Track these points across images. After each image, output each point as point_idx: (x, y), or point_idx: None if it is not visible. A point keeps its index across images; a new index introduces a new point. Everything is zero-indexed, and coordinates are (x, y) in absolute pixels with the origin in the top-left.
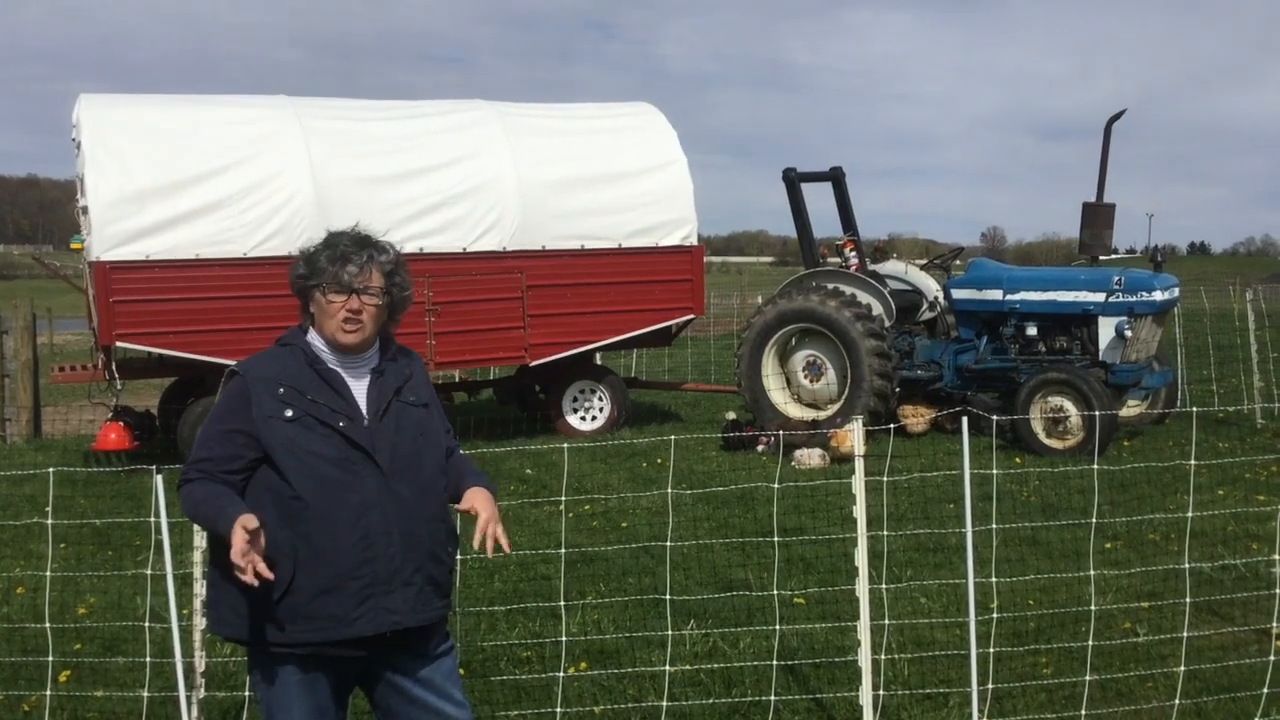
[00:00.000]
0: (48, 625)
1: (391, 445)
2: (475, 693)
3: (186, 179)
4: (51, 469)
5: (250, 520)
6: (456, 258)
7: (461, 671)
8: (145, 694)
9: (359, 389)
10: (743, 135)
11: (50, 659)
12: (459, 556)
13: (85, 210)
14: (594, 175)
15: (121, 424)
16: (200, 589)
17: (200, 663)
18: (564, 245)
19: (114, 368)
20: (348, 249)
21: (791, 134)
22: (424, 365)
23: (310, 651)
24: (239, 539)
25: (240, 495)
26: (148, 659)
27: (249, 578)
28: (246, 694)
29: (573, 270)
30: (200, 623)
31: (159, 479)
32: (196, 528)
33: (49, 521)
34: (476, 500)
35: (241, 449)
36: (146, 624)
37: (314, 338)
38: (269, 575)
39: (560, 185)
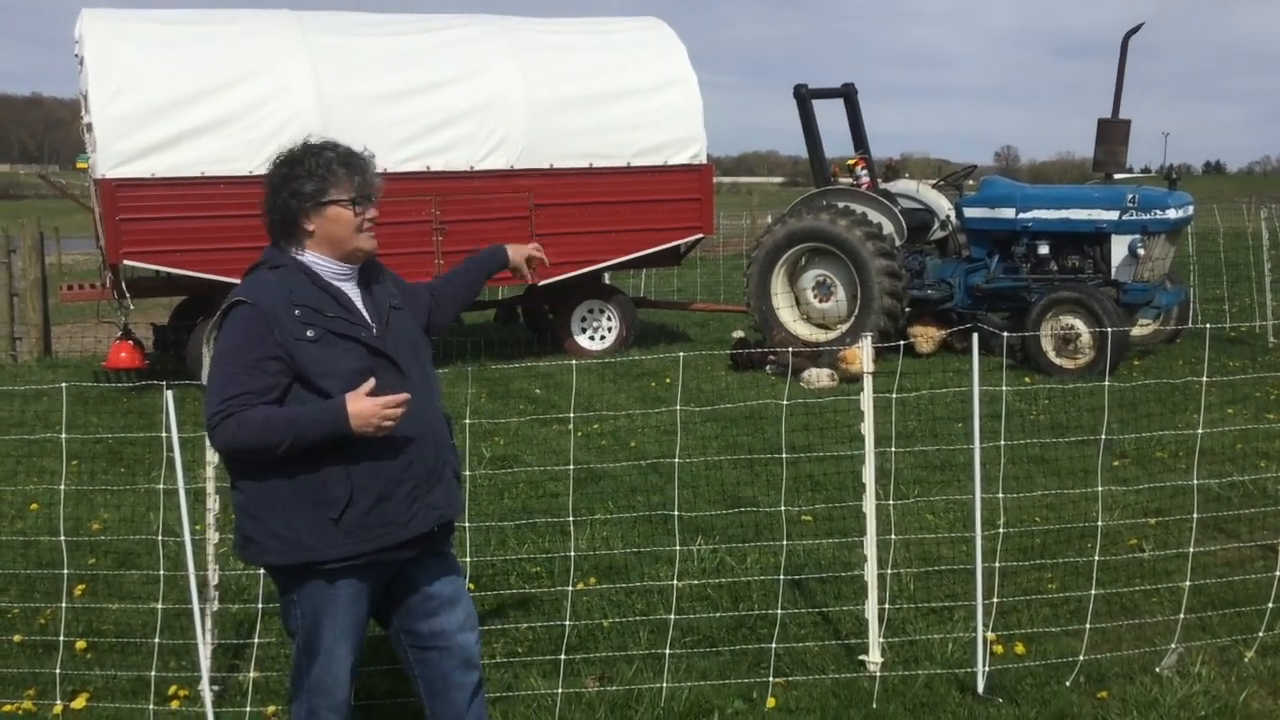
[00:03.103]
0: (62, 539)
1: (398, 348)
2: (485, 605)
3: (190, 95)
4: (64, 384)
5: (367, 385)
6: (464, 176)
7: (471, 586)
8: (159, 606)
9: (356, 302)
10: (753, 54)
11: (65, 572)
12: (467, 473)
13: (90, 127)
14: (602, 92)
15: (131, 342)
16: (212, 503)
17: (214, 576)
18: (572, 164)
19: (123, 286)
20: (356, 157)
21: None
22: (390, 270)
23: (368, 561)
24: (370, 403)
25: None
26: (161, 572)
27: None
28: (260, 606)
29: (580, 189)
30: (213, 536)
31: (169, 394)
32: (210, 444)
33: (62, 437)
34: (512, 250)
35: (276, 376)
36: (159, 538)
37: (310, 256)
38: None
39: (568, 102)
